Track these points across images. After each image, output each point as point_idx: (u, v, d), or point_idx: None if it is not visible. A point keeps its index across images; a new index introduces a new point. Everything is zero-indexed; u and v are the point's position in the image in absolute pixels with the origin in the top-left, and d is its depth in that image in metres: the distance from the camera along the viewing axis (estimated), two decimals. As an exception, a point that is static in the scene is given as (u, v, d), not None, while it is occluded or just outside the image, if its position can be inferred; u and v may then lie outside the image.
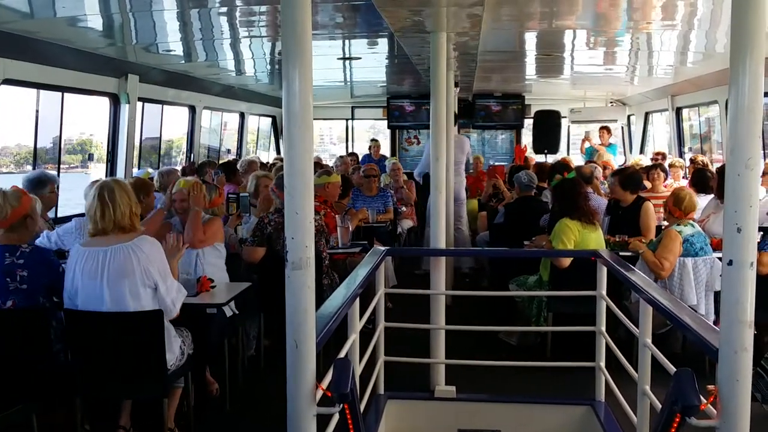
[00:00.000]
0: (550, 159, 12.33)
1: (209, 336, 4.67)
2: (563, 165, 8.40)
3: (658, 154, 11.22)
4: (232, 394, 4.89)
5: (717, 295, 5.50)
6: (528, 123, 14.11)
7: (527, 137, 14.33)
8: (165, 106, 9.58)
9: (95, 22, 5.72)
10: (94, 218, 3.86)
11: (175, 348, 4.07)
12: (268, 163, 10.56)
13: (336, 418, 3.00)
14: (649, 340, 3.67)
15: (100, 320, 3.81)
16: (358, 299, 3.93)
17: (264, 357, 5.58)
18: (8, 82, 5.85)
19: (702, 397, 2.53)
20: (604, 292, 4.70)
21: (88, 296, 3.80)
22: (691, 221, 5.55)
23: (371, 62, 9.03)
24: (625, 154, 14.03)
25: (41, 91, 6.76)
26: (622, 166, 9.17)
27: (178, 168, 8.53)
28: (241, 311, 5.08)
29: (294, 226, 2.60)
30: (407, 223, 9.31)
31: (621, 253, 5.39)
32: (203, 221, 5.04)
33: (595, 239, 5.67)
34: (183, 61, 8.12)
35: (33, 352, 3.85)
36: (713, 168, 8.47)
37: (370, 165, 9.29)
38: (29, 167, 7.14)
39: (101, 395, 4.10)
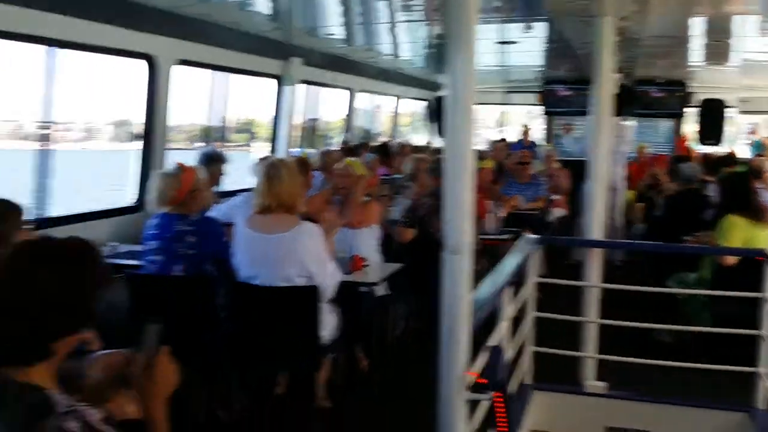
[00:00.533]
0: (715, 151, 11.61)
1: (360, 314, 4.80)
2: (731, 158, 7.89)
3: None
4: (379, 371, 5.01)
5: None
6: (689, 112, 13.34)
7: (688, 126, 13.56)
8: (323, 89, 9.87)
9: (263, 5, 5.99)
10: (261, 194, 4.07)
11: (329, 324, 4.22)
12: (421, 146, 10.66)
13: (484, 405, 3.01)
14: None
15: (259, 294, 4.01)
16: (509, 287, 3.90)
17: (411, 338, 5.66)
18: (184, 62, 6.23)
19: None
20: (769, 295, 4.39)
21: (247, 278, 4.03)
22: None
23: (528, 47, 8.86)
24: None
25: (209, 72, 7.17)
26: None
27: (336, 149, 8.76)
28: (392, 292, 5.18)
29: (453, 211, 2.62)
30: (559, 212, 9.08)
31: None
32: (363, 203, 5.17)
33: (765, 238, 5.30)
34: (343, 45, 8.33)
35: (199, 320, 4.12)
36: None
37: (524, 152, 9.13)
38: (199, 144, 7.59)
39: (259, 366, 4.32)
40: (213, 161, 5.80)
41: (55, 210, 5.33)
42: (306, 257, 3.95)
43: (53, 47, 4.94)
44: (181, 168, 4.37)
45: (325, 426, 4.26)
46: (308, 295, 3.97)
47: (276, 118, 8.21)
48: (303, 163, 5.98)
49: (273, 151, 8.28)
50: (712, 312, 5.43)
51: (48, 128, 5.23)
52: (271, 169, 4.08)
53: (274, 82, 8.07)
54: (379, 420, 4.49)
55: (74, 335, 1.78)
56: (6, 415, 1.65)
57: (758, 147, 11.55)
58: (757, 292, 4.47)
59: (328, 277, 4.07)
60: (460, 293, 2.63)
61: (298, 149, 8.74)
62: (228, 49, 6.90)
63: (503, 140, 13.22)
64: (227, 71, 7.32)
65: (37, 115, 5.14)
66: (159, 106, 5.94)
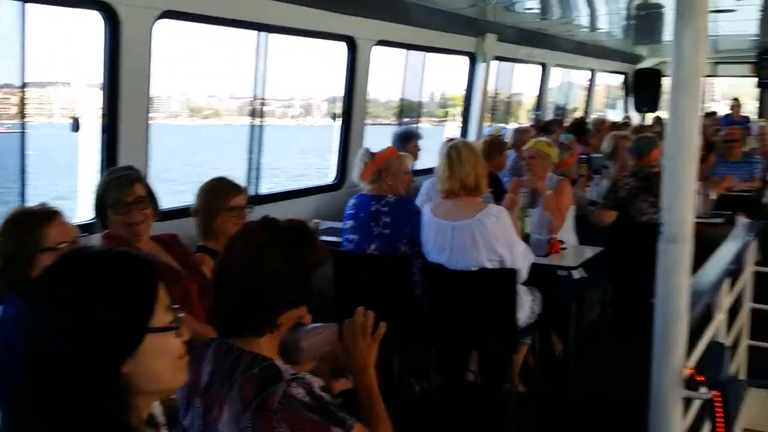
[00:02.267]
0: None
1: (557, 297, 4.66)
2: None
3: None
4: (575, 356, 4.85)
5: None
6: None
7: None
8: (517, 65, 9.67)
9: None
10: (442, 178, 4.04)
11: (526, 306, 4.14)
12: (618, 122, 10.16)
13: (697, 403, 2.80)
14: None
15: (452, 277, 4.00)
16: (727, 277, 3.60)
17: (608, 325, 5.43)
18: (382, 43, 6.33)
19: None
20: None
21: (438, 263, 4.03)
22: None
23: (743, 15, 8.12)
24: None
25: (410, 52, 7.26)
26: None
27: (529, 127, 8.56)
28: (589, 275, 4.98)
29: (672, 196, 2.42)
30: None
31: None
32: (552, 183, 4.98)
33: None
34: (538, 19, 8.09)
35: (396, 295, 4.18)
36: None
37: (733, 129, 8.41)
38: (400, 120, 7.71)
39: (454, 344, 4.32)
40: (408, 139, 5.86)
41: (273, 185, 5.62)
42: (494, 241, 3.89)
43: (263, 32, 5.18)
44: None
45: (519, 409, 4.18)
46: (504, 278, 3.91)
47: (468, 96, 8.15)
48: (496, 143, 5.91)
49: (465, 128, 8.24)
50: None
51: (266, 105, 5.48)
52: (452, 152, 4.03)
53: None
54: (575, 406, 4.35)
55: (297, 310, 1.95)
56: (241, 381, 1.80)
57: None
58: None
59: (519, 259, 3.98)
60: (678, 285, 2.43)
61: (491, 127, 8.63)
62: (424, 27, 6.92)
63: (713, 113, 12.33)
64: (422, 50, 7.35)
65: (260, 93, 5.41)
66: (359, 86, 6.08)
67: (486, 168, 4.19)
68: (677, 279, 2.47)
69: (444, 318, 4.13)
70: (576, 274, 4.84)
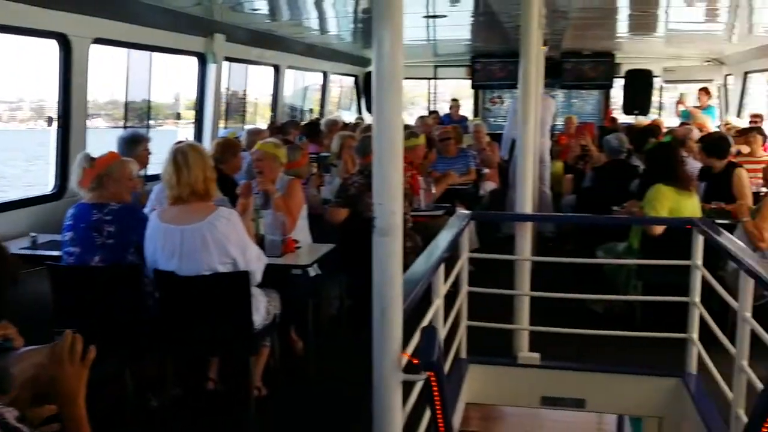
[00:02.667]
0: (641, 121, 11.87)
1: (294, 296, 4.72)
2: (655, 128, 8.05)
3: (755, 116, 10.63)
4: (315, 352, 4.94)
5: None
6: (617, 83, 13.61)
7: (617, 98, 13.83)
8: (250, 66, 9.65)
9: (182, -20, 5.77)
10: (169, 184, 3.90)
11: (261, 308, 4.13)
12: (350, 123, 10.55)
13: (420, 384, 2.98)
14: (748, 314, 3.51)
15: (183, 284, 3.87)
16: (443, 264, 3.88)
17: (346, 317, 5.61)
18: (100, 41, 5.96)
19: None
20: (700, 262, 4.50)
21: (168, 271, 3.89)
22: (795, 189, 5.25)
23: (456, 20, 8.83)
24: (720, 117, 13.39)
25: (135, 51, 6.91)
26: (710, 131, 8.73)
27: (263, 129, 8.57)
28: (323, 272, 5.10)
29: (382, 192, 2.54)
30: (490, 185, 9.13)
31: (717, 221, 5.16)
32: (283, 184, 5.02)
33: (691, 206, 5.42)
34: (268, 20, 8.14)
35: (125, 307, 3.97)
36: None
37: (445, 128, 9.10)
38: (126, 124, 7.30)
39: (190, 353, 4.20)
40: (135, 143, 5.57)
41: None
42: (226, 243, 3.83)
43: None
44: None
45: (261, 413, 4.17)
46: (237, 281, 3.86)
47: (200, 97, 7.98)
48: (229, 145, 5.84)
49: (199, 130, 8.05)
50: (641, 281, 5.53)
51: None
52: (178, 156, 3.91)
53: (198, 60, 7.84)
54: (317, 404, 4.43)
55: None
56: None
57: (686, 116, 11.81)
58: (686, 260, 4.58)
59: (253, 261, 3.96)
60: (391, 275, 2.57)
61: (226, 129, 8.53)
62: (149, 26, 6.64)
63: (435, 112, 13.24)
64: (147, 49, 7.05)
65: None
66: (76, 87, 5.66)
67: (214, 171, 4.09)
68: (391, 269, 2.60)
69: (178, 326, 4.00)
70: (311, 272, 4.92)
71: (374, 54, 2.49)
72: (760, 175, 6.11)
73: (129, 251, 4.11)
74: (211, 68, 7.85)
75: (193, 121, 8.18)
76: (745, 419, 3.40)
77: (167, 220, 3.89)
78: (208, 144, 7.27)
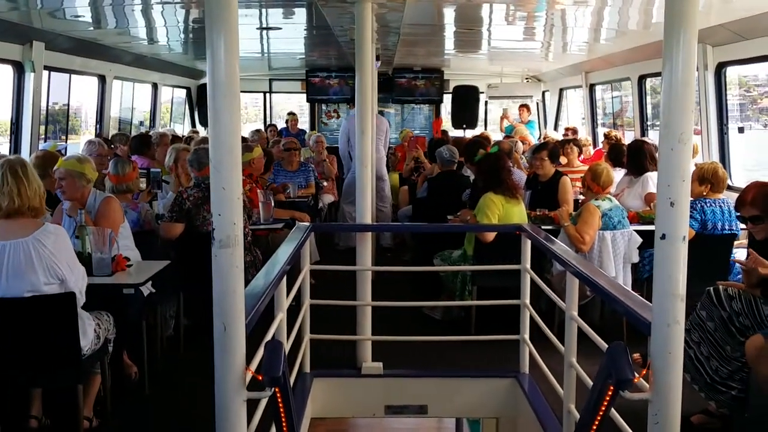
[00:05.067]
0: (469, 134, 12.41)
1: (126, 317, 4.46)
2: (483, 140, 8.43)
3: (569, 129, 11.45)
4: (151, 376, 4.70)
5: (634, 267, 5.66)
6: (447, 98, 14.18)
7: (446, 112, 14.40)
8: (74, 76, 9.10)
9: (-5, -18, 5.33)
10: (9, 196, 3.57)
11: (89, 332, 3.85)
12: (183, 136, 10.22)
13: (265, 401, 2.90)
14: (575, 313, 3.71)
15: (5, 304, 3.54)
16: (285, 277, 3.82)
17: (184, 337, 5.39)
18: None
19: (635, 371, 2.55)
20: (529, 266, 4.74)
21: None
22: (608, 195, 5.66)
23: (290, 33, 8.80)
24: (539, 130, 14.29)
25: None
26: (542, 141, 9.29)
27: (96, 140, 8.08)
28: (158, 290, 4.87)
29: (221, 203, 2.46)
30: (328, 198, 9.20)
31: (542, 227, 5.47)
32: (99, 201, 4.72)
33: (519, 213, 5.71)
34: (92, 28, 7.70)
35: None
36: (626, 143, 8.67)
37: (290, 138, 9.09)
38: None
39: (10, 385, 3.83)
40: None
41: None
42: (55, 261, 3.55)
43: None
44: None
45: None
46: (61, 302, 3.58)
47: (17, 108, 7.41)
48: (51, 158, 5.46)
49: (16, 143, 7.47)
50: (476, 285, 5.75)
51: None
52: (15, 167, 3.60)
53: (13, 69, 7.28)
54: (152, 428, 4.20)
55: None
56: None
57: (510, 130, 12.51)
58: (516, 265, 4.80)
59: (80, 281, 3.70)
60: (233, 288, 2.48)
61: (47, 143, 7.96)
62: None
63: (273, 125, 13.14)
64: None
65: None
66: None
67: (42, 186, 3.78)
68: (232, 282, 2.51)
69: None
70: (145, 291, 4.68)
71: (209, 63, 2.41)
72: (579, 183, 6.56)
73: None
74: (30, 78, 7.31)
75: (10, 135, 7.58)
76: (576, 414, 3.59)
77: None
78: (28, 158, 6.75)
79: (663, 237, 2.47)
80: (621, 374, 2.49)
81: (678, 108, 2.43)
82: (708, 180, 5.41)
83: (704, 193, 5.41)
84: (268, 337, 3.39)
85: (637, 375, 2.54)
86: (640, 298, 3.06)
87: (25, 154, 7.23)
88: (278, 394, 2.65)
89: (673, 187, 2.44)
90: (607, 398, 2.61)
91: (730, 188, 7.26)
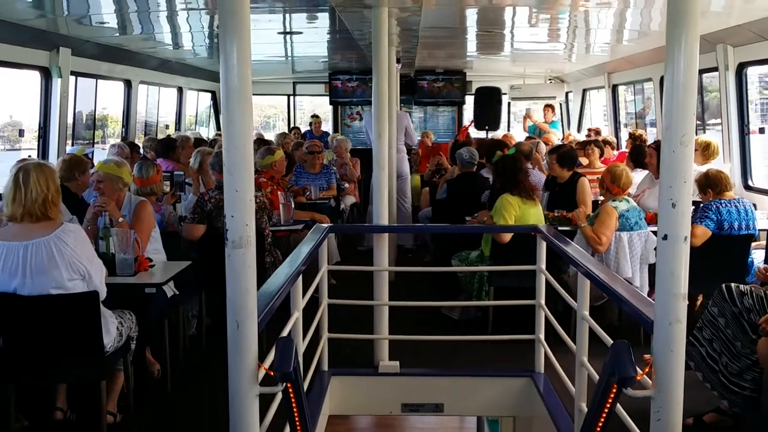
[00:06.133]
0: (491, 135, 12.43)
1: (148, 316, 4.58)
2: (503, 142, 8.46)
3: (591, 130, 11.43)
4: (173, 374, 4.82)
5: (651, 267, 5.66)
6: (469, 100, 14.21)
7: (469, 114, 14.42)
8: (101, 81, 9.30)
9: (24, -8, 5.50)
10: (9, 203, 3.69)
11: (112, 330, 3.97)
12: (208, 139, 10.37)
13: (279, 396, 2.99)
14: (586, 313, 3.75)
15: (28, 305, 3.66)
16: (300, 277, 3.91)
17: (206, 336, 5.51)
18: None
19: (638, 368, 2.60)
20: (544, 266, 4.78)
21: (11, 291, 3.66)
22: (626, 197, 5.68)
23: (312, 37, 8.93)
24: (563, 131, 14.27)
25: None
26: (559, 144, 9.30)
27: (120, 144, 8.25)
28: (181, 290, 4.98)
29: (233, 204, 2.56)
30: (350, 200, 9.29)
31: (559, 228, 5.51)
32: (131, 205, 4.86)
33: (535, 214, 5.75)
34: (117, 34, 7.88)
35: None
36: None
37: (314, 141, 9.20)
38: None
39: (35, 381, 3.96)
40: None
41: None
42: (78, 259, 3.67)
43: None
44: None
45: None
46: (85, 300, 3.70)
47: (45, 113, 7.60)
48: (76, 162, 5.60)
49: (44, 147, 7.66)
50: (493, 286, 5.79)
51: None
52: (21, 174, 3.70)
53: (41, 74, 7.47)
54: (175, 428, 4.31)
55: None
56: None
57: (533, 131, 12.52)
58: (532, 265, 4.85)
59: (100, 273, 3.81)
60: (245, 287, 2.58)
61: (74, 147, 8.16)
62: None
63: (296, 128, 13.28)
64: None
65: None
66: None
67: (58, 193, 3.88)
68: (245, 281, 2.60)
69: (20, 351, 3.76)
70: (168, 291, 4.81)
71: (222, 69, 2.50)
72: (598, 184, 6.57)
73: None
74: (57, 83, 7.50)
75: (38, 139, 7.77)
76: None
77: (7, 237, 3.66)
78: (54, 162, 6.93)
79: (665, 237, 2.52)
80: (623, 372, 2.53)
81: (679, 110, 2.47)
82: (706, 187, 5.41)
83: (710, 199, 5.40)
84: (284, 334, 3.49)
85: (639, 373, 2.58)
86: (647, 297, 3.10)
87: (52, 158, 7.42)
88: (290, 390, 2.73)
89: (674, 189, 2.49)
90: (612, 396, 2.66)
91: (749, 188, 7.27)
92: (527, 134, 12.80)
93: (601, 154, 8.69)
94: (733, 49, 7.21)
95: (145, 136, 10.10)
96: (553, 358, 4.43)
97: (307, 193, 7.52)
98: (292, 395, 2.73)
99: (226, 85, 2.51)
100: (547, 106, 13.31)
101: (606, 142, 9.45)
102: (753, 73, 7.53)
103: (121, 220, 4.59)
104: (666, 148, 2.50)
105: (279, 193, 6.44)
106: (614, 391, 2.63)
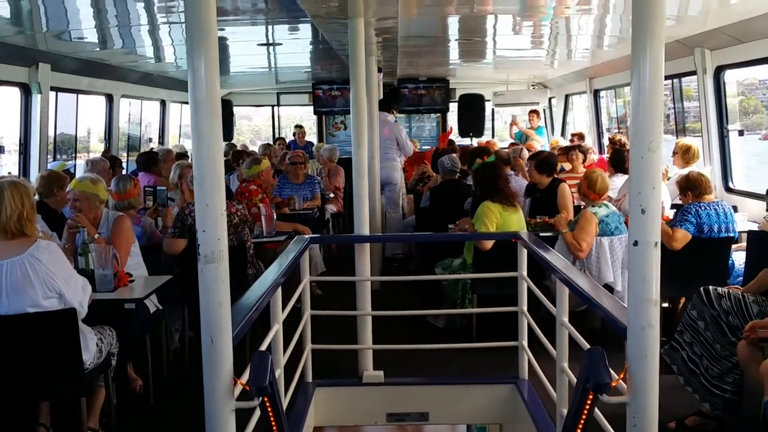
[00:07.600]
0: (476, 142, 12.47)
1: (129, 331, 4.55)
2: (485, 149, 8.48)
3: (575, 135, 11.47)
4: (156, 388, 4.79)
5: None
6: (453, 107, 14.25)
7: (452, 121, 14.46)
8: (82, 96, 9.27)
9: (1, 8, 5.46)
10: None
11: (92, 346, 3.95)
12: (184, 152, 10.33)
13: (258, 412, 2.97)
14: (566, 319, 3.75)
15: (8, 321, 3.64)
16: (280, 289, 3.89)
17: (189, 349, 5.48)
18: None
19: (614, 374, 2.60)
20: (525, 273, 4.78)
21: None
22: (605, 202, 5.70)
23: (294, 48, 8.93)
24: (548, 137, 14.31)
25: None
26: (539, 150, 9.32)
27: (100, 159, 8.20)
28: (163, 304, 4.97)
29: (204, 219, 2.54)
30: (330, 209, 9.28)
31: (541, 234, 5.52)
32: (109, 221, 4.84)
33: (517, 221, 5.76)
34: (98, 49, 7.85)
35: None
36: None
37: (296, 152, 9.19)
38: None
39: (15, 398, 3.93)
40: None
41: None
42: (52, 277, 3.64)
43: None
44: None
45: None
46: (63, 318, 3.67)
47: (25, 129, 7.56)
48: (56, 177, 5.59)
49: (24, 165, 7.62)
50: (476, 293, 5.80)
51: None
52: None
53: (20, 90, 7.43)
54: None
55: None
56: None
57: (519, 137, 12.56)
58: (514, 272, 4.85)
59: (78, 293, 3.78)
60: (218, 302, 2.57)
61: (55, 162, 8.12)
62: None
63: (281, 139, 13.27)
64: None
65: None
66: None
67: (34, 210, 3.85)
68: (218, 296, 2.59)
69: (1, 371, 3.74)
70: (150, 306, 4.78)
71: (190, 81, 2.50)
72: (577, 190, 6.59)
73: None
74: (37, 99, 7.47)
75: (18, 155, 7.73)
76: (569, 418, 3.63)
77: None
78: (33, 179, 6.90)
79: (636, 243, 2.53)
80: (598, 378, 2.54)
81: (647, 116, 2.48)
82: (686, 189, 5.45)
83: (689, 202, 5.43)
84: (263, 347, 3.47)
85: (615, 379, 2.59)
86: (622, 303, 3.11)
87: (33, 174, 7.38)
88: (267, 404, 2.72)
89: (644, 195, 2.50)
90: (588, 403, 2.66)
91: (730, 191, 7.31)
92: (513, 140, 12.84)
93: (584, 160, 8.71)
94: (711, 53, 7.26)
95: (128, 150, 10.06)
96: (536, 365, 4.43)
97: (292, 204, 7.52)
98: (269, 409, 2.72)
99: (194, 97, 2.50)
100: (533, 111, 13.36)
101: (580, 148, 9.37)
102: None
103: (97, 236, 4.58)
104: (634, 155, 2.52)
105: (264, 203, 6.43)
106: (590, 397, 2.64)
